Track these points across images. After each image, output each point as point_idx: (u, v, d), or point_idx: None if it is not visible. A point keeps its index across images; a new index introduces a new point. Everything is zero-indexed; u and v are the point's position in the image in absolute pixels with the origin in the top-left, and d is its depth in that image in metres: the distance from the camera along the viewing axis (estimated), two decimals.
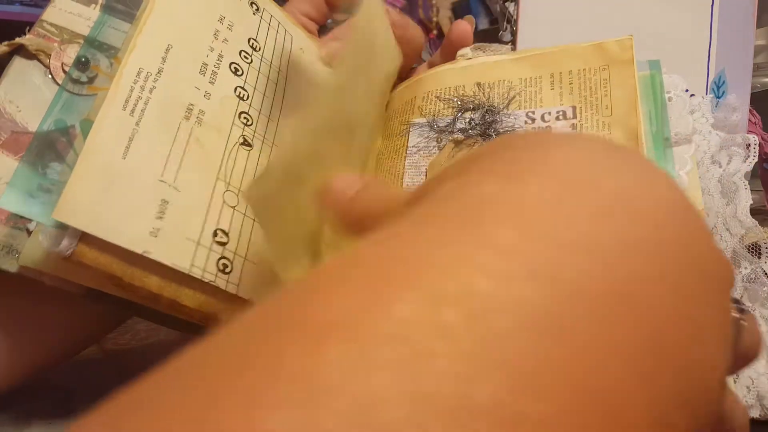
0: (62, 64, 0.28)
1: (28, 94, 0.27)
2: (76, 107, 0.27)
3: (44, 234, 0.23)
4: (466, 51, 0.38)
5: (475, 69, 0.37)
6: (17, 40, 0.27)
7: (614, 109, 0.31)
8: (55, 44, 0.28)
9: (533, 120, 0.33)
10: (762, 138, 0.46)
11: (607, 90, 0.32)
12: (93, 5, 0.30)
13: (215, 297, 0.25)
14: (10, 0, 0.59)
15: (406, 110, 0.38)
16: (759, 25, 0.48)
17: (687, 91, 0.37)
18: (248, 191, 0.23)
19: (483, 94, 0.35)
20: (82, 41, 0.28)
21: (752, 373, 0.28)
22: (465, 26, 0.37)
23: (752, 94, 0.46)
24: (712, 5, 0.48)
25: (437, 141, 0.35)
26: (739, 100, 0.36)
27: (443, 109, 0.36)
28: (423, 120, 0.36)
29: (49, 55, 0.28)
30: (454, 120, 0.35)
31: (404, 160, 0.35)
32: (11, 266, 0.25)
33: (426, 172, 0.34)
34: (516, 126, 0.33)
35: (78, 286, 0.25)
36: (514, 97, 0.34)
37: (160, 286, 0.24)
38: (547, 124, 0.33)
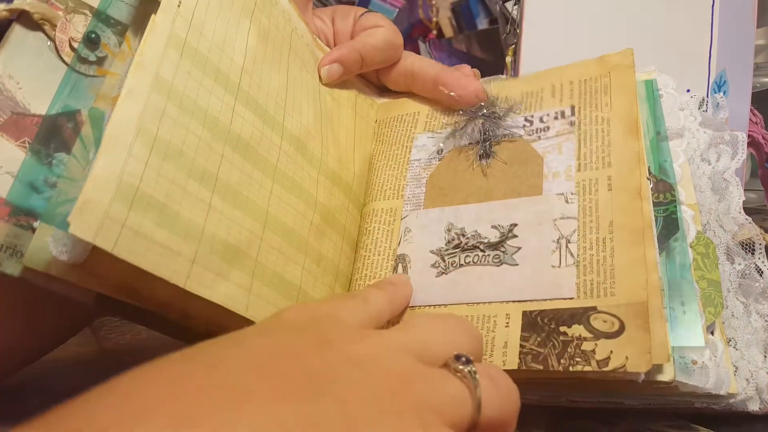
0: (70, 39, 0.25)
1: (29, 70, 0.24)
2: (84, 90, 0.25)
3: (54, 238, 0.21)
4: None
5: None
6: (17, 4, 0.24)
7: (614, 105, 0.32)
8: (60, 13, 0.25)
9: (531, 123, 0.34)
10: (763, 138, 0.45)
11: (607, 91, 0.33)
12: None
13: (225, 310, 0.25)
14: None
15: (408, 122, 0.39)
16: (759, 25, 0.48)
17: (689, 91, 0.37)
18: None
19: (486, 102, 0.36)
20: (88, 11, 0.26)
21: (752, 367, 0.28)
22: (477, 86, 0.36)
23: (753, 94, 0.46)
24: (713, 6, 0.48)
25: (439, 152, 0.36)
26: (732, 94, 0.36)
27: (446, 117, 0.37)
28: (428, 134, 0.37)
29: (54, 26, 0.25)
30: (454, 131, 0.36)
31: (406, 173, 0.36)
32: (15, 269, 0.23)
33: (426, 183, 0.35)
34: (514, 128, 0.34)
35: (87, 295, 0.24)
36: (513, 106, 0.35)
37: (172, 295, 0.23)
38: (545, 124, 0.33)
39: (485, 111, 0.35)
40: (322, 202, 0.32)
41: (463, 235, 0.32)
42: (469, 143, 0.35)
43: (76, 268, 0.22)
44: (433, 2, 0.64)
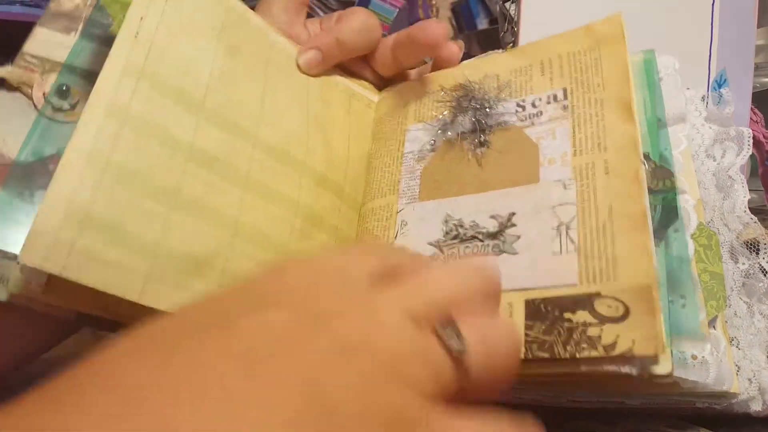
0: (44, 93, 0.28)
1: (13, 126, 0.27)
2: (57, 134, 0.27)
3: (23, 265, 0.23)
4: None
5: (465, 67, 0.37)
6: None
7: (606, 85, 0.31)
8: (37, 75, 0.28)
9: (524, 108, 0.33)
10: (764, 137, 0.45)
11: (599, 68, 0.32)
12: (73, 33, 0.29)
13: None
14: (11, 0, 0.59)
15: (399, 114, 0.38)
16: (759, 25, 0.48)
17: (689, 89, 0.36)
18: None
19: (474, 89, 0.35)
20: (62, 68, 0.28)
21: (754, 367, 0.27)
22: (436, 29, 0.36)
23: (753, 94, 0.46)
24: (713, 5, 0.48)
25: (431, 144, 0.35)
26: (732, 93, 0.36)
27: (437, 109, 0.36)
28: (419, 125, 0.37)
29: (31, 87, 0.28)
30: (445, 123, 0.35)
31: (401, 167, 0.36)
32: (1, 295, 0.25)
33: (420, 176, 0.35)
34: (506, 115, 0.33)
35: (68, 311, 0.26)
36: (501, 89, 0.34)
37: (136, 309, 0.24)
38: (537, 109, 0.33)
39: (475, 103, 0.34)
40: (307, 205, 0.33)
41: (461, 226, 0.31)
42: (462, 133, 0.34)
43: (44, 291, 0.23)
44: (433, 2, 0.64)
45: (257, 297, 0.18)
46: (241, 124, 0.31)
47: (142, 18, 0.27)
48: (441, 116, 0.36)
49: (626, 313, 0.24)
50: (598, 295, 0.25)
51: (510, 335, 0.20)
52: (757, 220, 0.30)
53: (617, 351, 0.24)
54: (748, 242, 0.30)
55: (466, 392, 0.19)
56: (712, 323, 0.26)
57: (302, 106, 0.35)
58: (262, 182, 0.31)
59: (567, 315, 0.25)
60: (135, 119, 0.26)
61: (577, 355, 0.24)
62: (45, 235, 0.22)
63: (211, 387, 0.14)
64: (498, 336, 0.20)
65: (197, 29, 0.30)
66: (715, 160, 0.32)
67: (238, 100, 0.31)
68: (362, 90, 0.40)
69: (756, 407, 0.27)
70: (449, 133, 0.35)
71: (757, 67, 0.48)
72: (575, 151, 0.30)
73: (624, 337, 0.24)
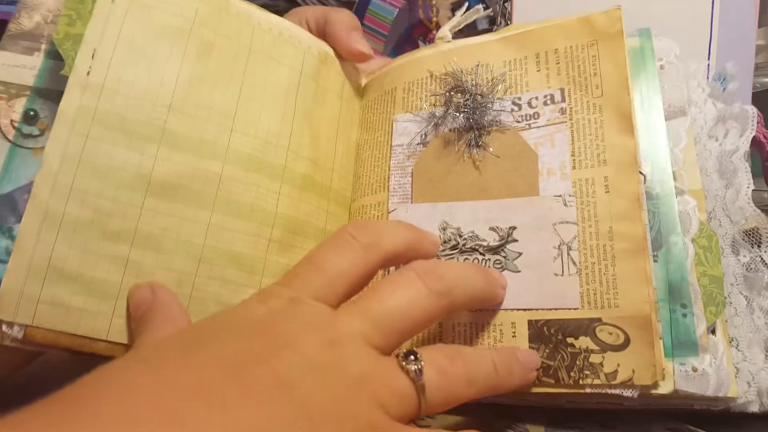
0: (11, 120, 0.27)
1: None
2: (29, 164, 0.26)
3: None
4: (445, 33, 0.36)
5: (456, 53, 0.35)
6: None
7: (604, 89, 0.30)
8: (3, 101, 0.27)
9: (519, 107, 0.32)
10: (764, 137, 0.45)
11: (596, 68, 0.30)
12: (36, 53, 0.28)
13: None
14: (11, 0, 0.60)
15: (387, 102, 0.36)
16: (759, 25, 0.48)
17: (698, 69, 0.34)
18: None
19: (467, 80, 0.33)
20: (29, 93, 0.27)
21: (753, 368, 0.27)
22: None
23: (753, 94, 0.46)
24: (713, 5, 0.47)
25: (422, 138, 0.33)
26: (736, 67, 0.34)
27: (426, 98, 0.34)
28: (408, 116, 0.34)
29: None
30: (437, 117, 0.33)
31: (389, 161, 0.34)
32: None
33: (412, 174, 0.33)
34: (502, 114, 0.32)
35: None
36: (496, 83, 0.32)
37: (108, 348, 0.26)
38: (534, 109, 0.31)
39: (468, 99, 0.32)
40: (286, 215, 0.32)
41: (460, 236, 0.30)
42: (456, 129, 0.33)
43: (25, 337, 0.25)
44: (433, 2, 0.64)
45: (230, 331, 0.20)
46: (209, 139, 0.30)
47: (94, 52, 0.27)
48: (432, 109, 0.34)
49: (626, 342, 0.25)
50: (599, 320, 0.26)
51: (462, 360, 0.22)
52: (761, 211, 0.29)
53: (618, 380, 0.24)
54: (748, 231, 0.29)
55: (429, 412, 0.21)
56: (710, 329, 0.26)
57: (290, 96, 0.33)
58: (232, 200, 0.30)
59: (570, 340, 0.26)
60: (88, 165, 0.26)
61: (581, 382, 0.25)
62: (13, 292, 0.24)
63: (202, 389, 0.16)
64: (452, 364, 0.22)
65: (162, 35, 0.29)
66: (717, 141, 0.31)
67: (207, 109, 0.30)
68: (354, 74, 0.39)
69: (753, 409, 0.27)
70: (440, 128, 0.33)
71: (757, 67, 0.47)
72: (575, 162, 0.29)
73: (624, 366, 0.24)
